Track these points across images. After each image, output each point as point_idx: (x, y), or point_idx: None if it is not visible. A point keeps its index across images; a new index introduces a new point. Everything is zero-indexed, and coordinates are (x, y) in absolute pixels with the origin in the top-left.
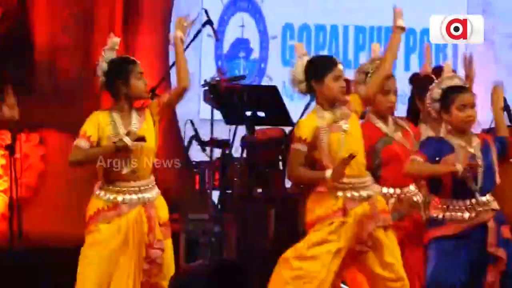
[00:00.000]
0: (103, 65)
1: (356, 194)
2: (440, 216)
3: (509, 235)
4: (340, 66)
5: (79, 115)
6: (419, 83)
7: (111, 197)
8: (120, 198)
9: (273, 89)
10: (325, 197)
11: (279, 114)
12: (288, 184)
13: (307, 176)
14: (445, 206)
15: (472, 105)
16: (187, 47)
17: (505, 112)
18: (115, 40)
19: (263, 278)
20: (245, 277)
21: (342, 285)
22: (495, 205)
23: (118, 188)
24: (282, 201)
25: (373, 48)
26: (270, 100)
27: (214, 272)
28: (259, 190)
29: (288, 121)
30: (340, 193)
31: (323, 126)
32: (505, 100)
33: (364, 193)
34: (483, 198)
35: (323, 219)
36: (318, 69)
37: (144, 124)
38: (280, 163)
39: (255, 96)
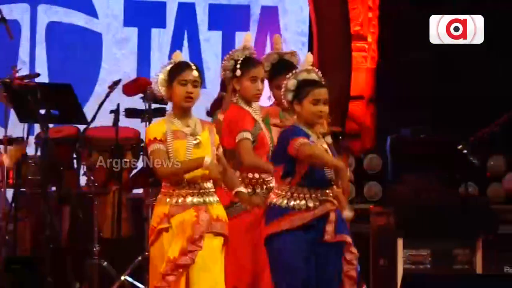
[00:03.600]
0: None
1: (182, 200)
2: (284, 203)
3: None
4: (193, 72)
5: None
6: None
7: None
8: None
9: (67, 87)
10: (158, 205)
11: (74, 113)
12: (82, 182)
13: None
14: (289, 193)
15: (325, 101)
16: None
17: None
18: None
19: (57, 276)
20: (38, 272)
21: None
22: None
23: None
24: (77, 199)
25: (246, 38)
26: (64, 99)
27: (7, 267)
28: (53, 188)
29: (82, 119)
30: (168, 200)
31: (169, 131)
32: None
33: (191, 200)
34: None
35: (152, 231)
36: (171, 72)
37: None
38: (75, 161)
39: (49, 94)
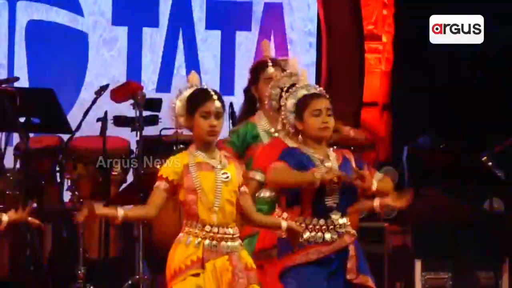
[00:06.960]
0: None
1: (215, 244)
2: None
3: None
4: (215, 103)
5: None
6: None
7: None
8: None
9: (49, 93)
10: (184, 246)
11: (57, 121)
12: (66, 197)
13: None
14: (303, 225)
15: (327, 112)
16: None
17: None
18: None
19: None
20: None
21: None
22: (352, 229)
23: None
24: (60, 216)
25: (292, 62)
26: (46, 105)
27: None
28: (34, 205)
29: (66, 128)
30: (199, 241)
31: (193, 163)
32: None
33: (225, 245)
34: (343, 219)
35: (180, 272)
36: (191, 102)
37: None
38: (58, 174)
39: (29, 100)
